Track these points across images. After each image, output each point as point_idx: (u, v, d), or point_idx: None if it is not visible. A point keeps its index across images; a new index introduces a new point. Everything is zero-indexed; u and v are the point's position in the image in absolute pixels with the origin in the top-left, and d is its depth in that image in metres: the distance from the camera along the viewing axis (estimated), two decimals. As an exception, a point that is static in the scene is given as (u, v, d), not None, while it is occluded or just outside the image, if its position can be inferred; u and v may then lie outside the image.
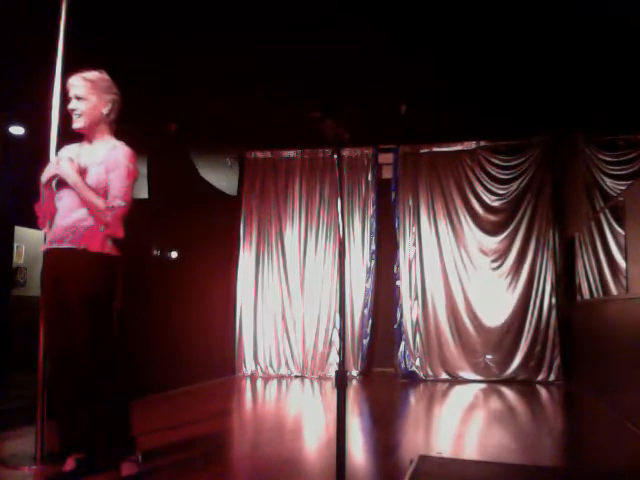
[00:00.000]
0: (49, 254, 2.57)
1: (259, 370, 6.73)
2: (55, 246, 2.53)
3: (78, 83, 2.56)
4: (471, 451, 3.28)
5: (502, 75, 4.88)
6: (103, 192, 2.52)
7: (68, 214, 2.53)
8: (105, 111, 2.61)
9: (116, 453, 2.53)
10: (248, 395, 5.65)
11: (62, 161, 2.55)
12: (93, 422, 2.54)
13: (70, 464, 2.49)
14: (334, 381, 1.88)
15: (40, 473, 2.63)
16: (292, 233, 6.91)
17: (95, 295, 2.48)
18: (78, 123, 2.58)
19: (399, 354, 6.47)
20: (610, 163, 6.05)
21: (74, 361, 2.47)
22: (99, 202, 2.49)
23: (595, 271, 5.53)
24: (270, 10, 3.88)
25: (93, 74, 2.59)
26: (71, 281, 2.47)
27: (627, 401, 3.91)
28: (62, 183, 2.55)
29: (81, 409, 2.53)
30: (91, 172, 2.54)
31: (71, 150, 2.67)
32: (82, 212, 2.52)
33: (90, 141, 2.64)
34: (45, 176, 2.59)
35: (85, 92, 2.55)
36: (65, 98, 2.65)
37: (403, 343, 6.47)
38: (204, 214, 6.22)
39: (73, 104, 2.56)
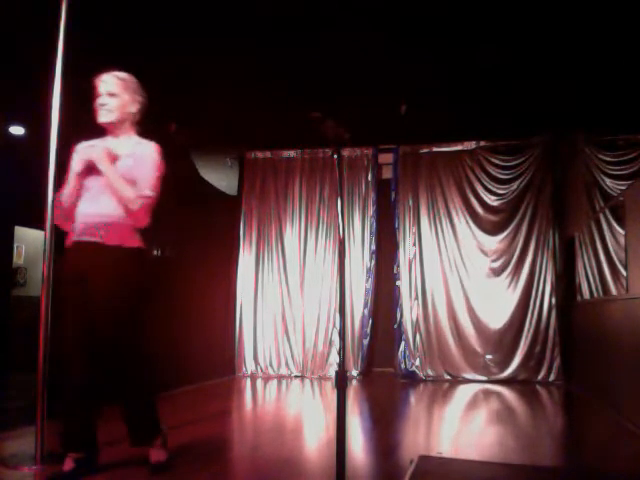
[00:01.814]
0: (76, 248, 2.55)
1: (259, 370, 6.73)
2: (85, 239, 2.52)
3: (111, 80, 2.63)
4: (471, 451, 3.28)
5: (502, 75, 4.87)
6: (131, 183, 2.56)
7: (96, 205, 2.54)
8: (133, 110, 2.68)
9: (147, 436, 2.62)
10: (248, 395, 5.65)
11: (97, 148, 2.57)
12: (95, 422, 2.57)
13: (70, 464, 2.49)
14: (334, 381, 1.88)
15: (40, 473, 2.62)
16: (292, 233, 6.91)
17: (128, 292, 2.53)
18: (107, 117, 2.62)
19: (399, 354, 6.47)
20: (610, 163, 6.05)
21: (97, 360, 2.51)
22: (129, 191, 2.53)
23: (595, 271, 5.53)
24: (270, 10, 3.88)
25: (125, 74, 2.67)
26: (103, 279, 2.48)
27: (627, 401, 3.91)
28: (90, 172, 2.56)
29: (86, 409, 2.55)
30: (120, 163, 2.58)
31: (89, 144, 2.67)
32: (112, 203, 2.54)
33: (115, 136, 2.68)
34: (79, 163, 2.58)
35: (118, 89, 2.62)
36: (94, 94, 2.66)
37: (403, 343, 6.47)
38: (204, 214, 6.22)
39: (104, 99, 2.61)
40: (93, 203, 2.55)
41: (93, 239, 2.51)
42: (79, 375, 2.50)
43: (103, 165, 2.54)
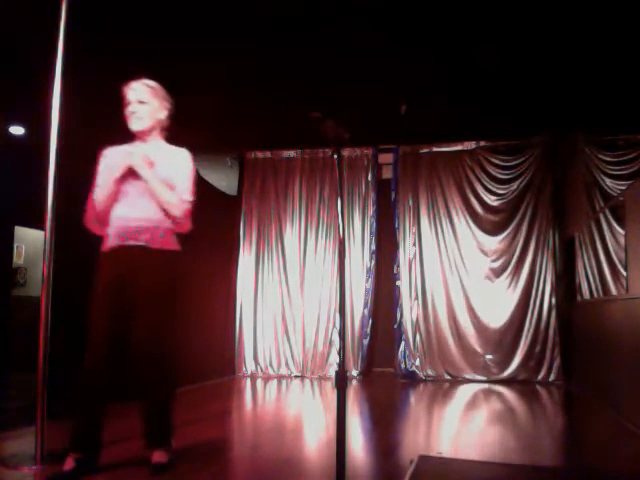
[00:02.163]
0: (118, 252, 2.56)
1: (259, 370, 6.73)
2: (129, 243, 2.54)
3: (141, 88, 2.67)
4: (471, 451, 3.28)
5: (502, 75, 4.87)
6: (170, 188, 2.61)
7: (136, 209, 2.57)
8: (162, 116, 2.73)
9: (163, 438, 2.63)
10: (248, 395, 5.65)
11: (135, 154, 2.59)
12: (103, 422, 2.59)
13: (70, 463, 2.49)
14: (334, 381, 1.88)
15: (40, 473, 2.62)
16: (292, 233, 6.91)
17: (169, 294, 2.61)
18: (139, 125, 2.66)
19: (399, 354, 6.47)
20: (610, 163, 6.05)
21: (122, 363, 2.56)
22: (172, 196, 2.58)
23: (595, 271, 5.53)
24: (270, 10, 3.88)
25: (153, 82, 2.72)
26: (150, 281, 2.53)
27: (627, 401, 3.91)
28: (125, 177, 2.58)
29: (101, 409, 2.57)
30: (157, 168, 2.61)
31: (124, 150, 2.68)
32: (151, 208, 2.57)
33: (145, 142, 2.71)
34: (117, 169, 2.59)
35: (147, 97, 2.66)
36: (123, 102, 2.69)
37: (403, 343, 6.47)
38: (204, 214, 6.20)
39: (134, 107, 2.65)
40: (132, 207, 2.58)
41: (138, 243, 2.54)
42: (103, 377, 2.53)
43: (144, 171, 2.56)
